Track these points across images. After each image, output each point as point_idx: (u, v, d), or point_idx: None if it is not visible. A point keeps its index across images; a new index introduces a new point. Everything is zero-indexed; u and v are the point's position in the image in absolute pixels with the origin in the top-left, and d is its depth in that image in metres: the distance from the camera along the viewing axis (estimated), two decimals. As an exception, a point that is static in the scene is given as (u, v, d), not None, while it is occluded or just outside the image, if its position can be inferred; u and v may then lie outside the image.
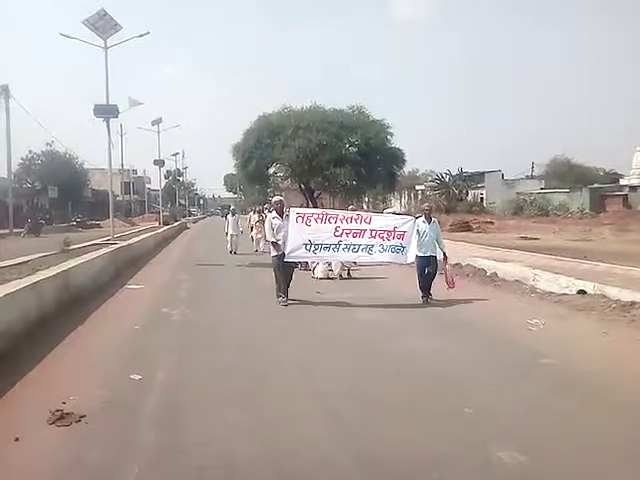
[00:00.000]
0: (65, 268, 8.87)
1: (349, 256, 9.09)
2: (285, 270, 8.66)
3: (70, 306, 8.06)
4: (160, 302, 8.90)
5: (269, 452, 3.49)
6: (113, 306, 8.79)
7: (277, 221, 8.72)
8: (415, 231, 8.68)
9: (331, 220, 8.66)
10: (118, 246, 14.62)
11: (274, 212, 9.02)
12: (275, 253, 8.69)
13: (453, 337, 6.49)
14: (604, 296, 7.92)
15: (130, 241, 17.56)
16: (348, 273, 11.69)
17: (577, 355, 5.67)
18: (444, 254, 8.92)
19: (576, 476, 3.24)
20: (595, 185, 44.59)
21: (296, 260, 9.20)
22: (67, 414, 4.00)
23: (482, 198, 48.21)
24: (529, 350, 5.82)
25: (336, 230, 8.59)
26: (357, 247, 8.65)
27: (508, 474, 3.22)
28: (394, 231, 8.65)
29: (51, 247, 12.96)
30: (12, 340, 5.74)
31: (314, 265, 11.61)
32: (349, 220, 8.70)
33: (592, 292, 8.29)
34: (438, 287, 8.81)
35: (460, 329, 6.91)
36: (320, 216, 8.76)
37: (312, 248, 8.60)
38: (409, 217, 9.26)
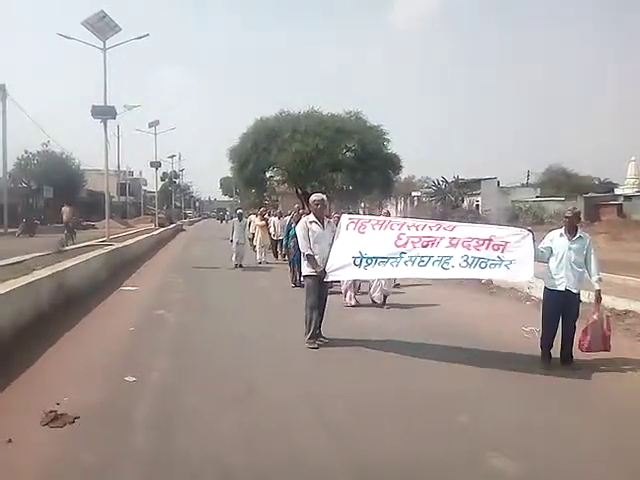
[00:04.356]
0: (61, 269, 8.84)
1: (412, 271, 6.06)
2: (322, 295, 6.50)
3: (65, 306, 8.03)
4: (155, 304, 8.87)
5: (264, 458, 3.47)
6: (108, 307, 8.76)
7: (317, 227, 6.42)
8: (535, 249, 5.63)
9: (394, 227, 6.22)
10: (114, 247, 14.56)
11: (312, 215, 6.61)
12: (310, 271, 6.36)
13: (447, 343, 6.48)
14: (599, 304, 7.93)
15: (125, 243, 17.49)
16: (384, 300, 8.99)
17: (573, 363, 5.67)
18: (597, 292, 5.59)
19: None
20: (590, 194, 44.85)
21: (339, 279, 6.97)
22: (61, 415, 3.98)
23: (478, 205, 48.37)
24: (525, 357, 5.83)
25: (399, 238, 6.04)
26: (426, 260, 5.83)
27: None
28: (490, 240, 5.70)
29: (46, 247, 12.89)
30: (6, 340, 5.71)
31: (345, 287, 8.99)
32: (420, 227, 6.12)
33: (587, 300, 8.31)
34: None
35: (454, 335, 6.91)
36: (379, 222, 6.39)
37: (363, 263, 6.10)
38: (524, 231, 5.78)
